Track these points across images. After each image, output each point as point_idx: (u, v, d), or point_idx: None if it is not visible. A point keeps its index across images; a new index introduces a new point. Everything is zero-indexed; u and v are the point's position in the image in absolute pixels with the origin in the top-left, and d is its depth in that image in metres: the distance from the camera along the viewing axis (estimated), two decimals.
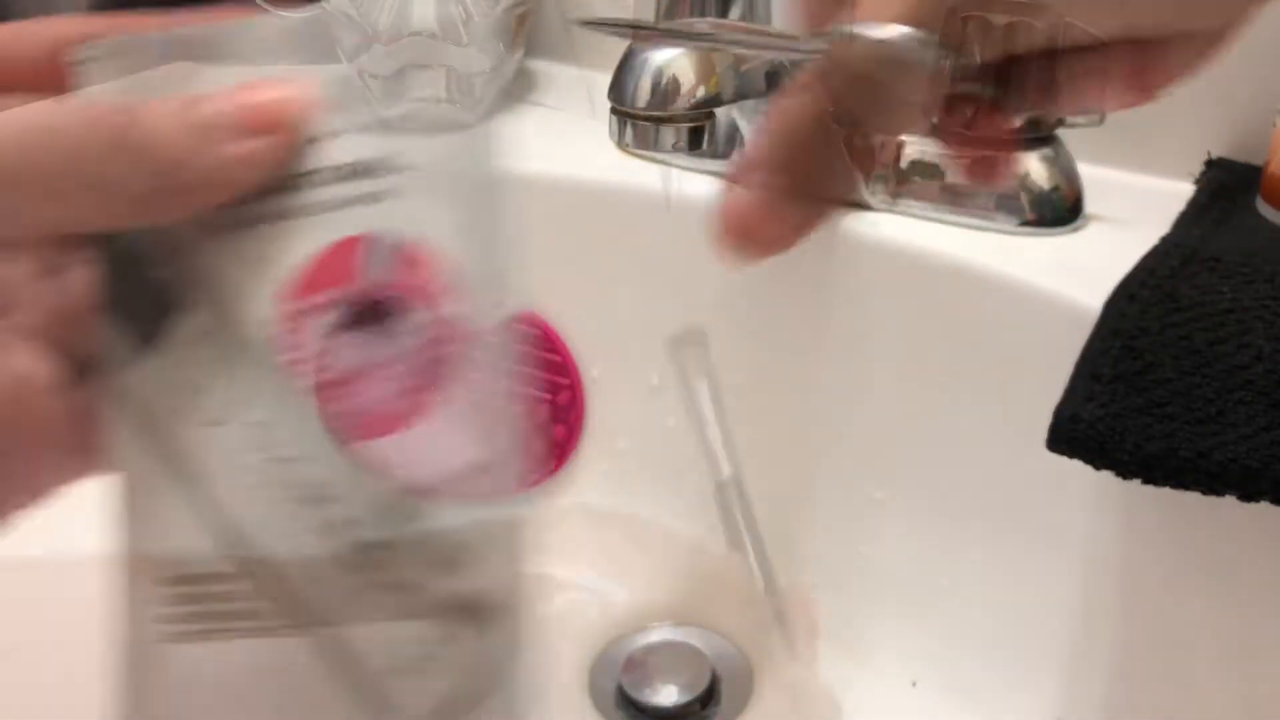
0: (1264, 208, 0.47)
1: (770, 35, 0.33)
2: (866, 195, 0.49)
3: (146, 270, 0.25)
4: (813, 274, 0.50)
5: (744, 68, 0.41)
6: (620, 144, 0.41)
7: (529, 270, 0.61)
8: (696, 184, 0.52)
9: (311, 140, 0.26)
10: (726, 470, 0.39)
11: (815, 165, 0.29)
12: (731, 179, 0.29)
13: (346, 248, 0.25)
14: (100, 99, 0.24)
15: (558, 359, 0.56)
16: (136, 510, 0.25)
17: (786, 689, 0.50)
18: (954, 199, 0.48)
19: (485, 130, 0.28)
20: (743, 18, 0.55)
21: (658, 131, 0.40)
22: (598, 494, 0.57)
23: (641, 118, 0.39)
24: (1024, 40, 0.29)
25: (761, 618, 0.53)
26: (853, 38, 0.26)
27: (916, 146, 0.49)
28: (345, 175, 0.26)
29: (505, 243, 0.28)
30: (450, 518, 0.27)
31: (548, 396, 0.56)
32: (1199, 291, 0.39)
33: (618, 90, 0.40)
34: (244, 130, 0.24)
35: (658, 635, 0.53)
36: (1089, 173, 0.50)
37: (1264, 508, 0.34)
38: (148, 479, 0.25)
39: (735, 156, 0.52)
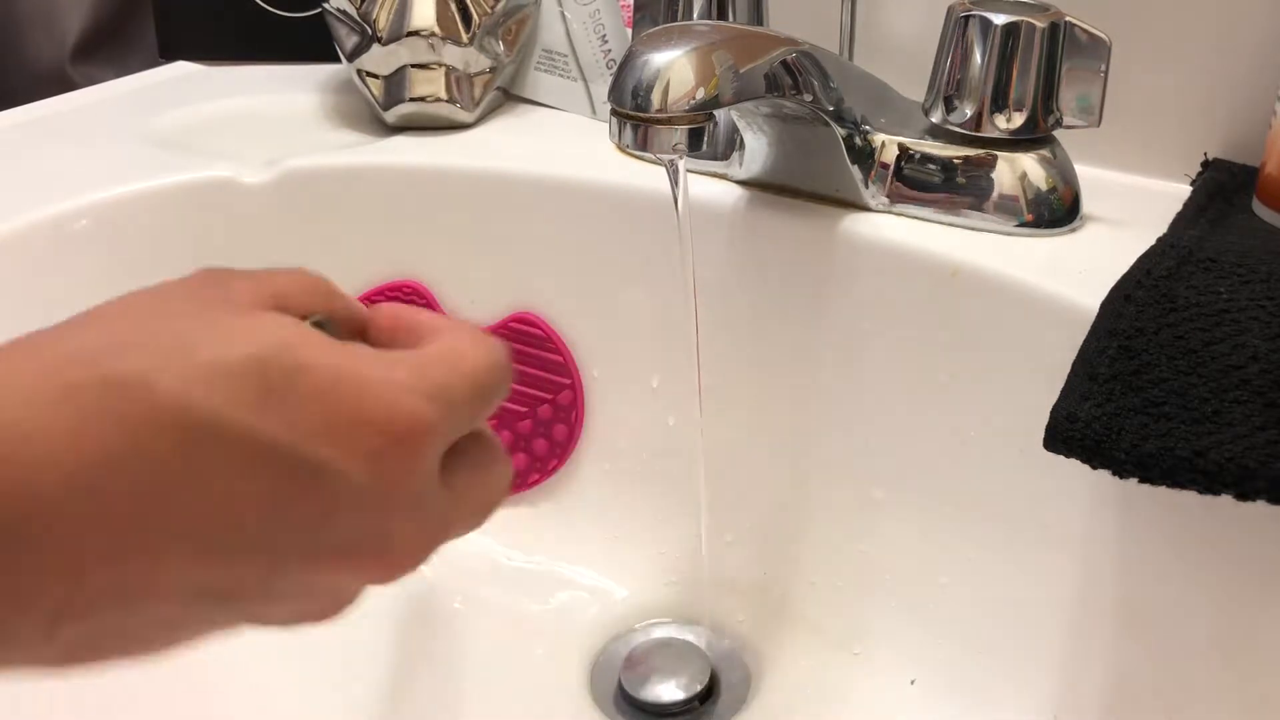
0: (1260, 208, 0.47)
1: None
2: (865, 197, 0.50)
3: None
4: (812, 274, 0.50)
5: (744, 69, 0.41)
6: (620, 145, 0.41)
7: (530, 270, 0.62)
8: (696, 185, 0.52)
9: None
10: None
11: None
12: None
13: None
14: None
15: (558, 359, 0.56)
16: None
17: (785, 686, 0.50)
18: (952, 200, 0.49)
19: None
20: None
21: (657, 132, 0.40)
22: (598, 494, 0.57)
23: (641, 119, 0.40)
24: None
25: (760, 615, 0.53)
26: None
27: (916, 148, 0.49)
28: None
29: None
30: None
31: (548, 396, 0.56)
32: (1195, 292, 0.40)
33: (618, 91, 0.40)
34: None
35: (658, 633, 0.53)
36: (1087, 174, 0.50)
37: (1260, 507, 0.34)
38: None
39: (735, 157, 0.52)
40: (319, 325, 0.27)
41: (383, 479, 0.24)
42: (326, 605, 0.26)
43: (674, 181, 0.43)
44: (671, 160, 0.42)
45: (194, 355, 0.23)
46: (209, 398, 0.22)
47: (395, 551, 0.25)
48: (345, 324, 0.30)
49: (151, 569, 0.23)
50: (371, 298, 0.57)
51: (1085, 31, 0.47)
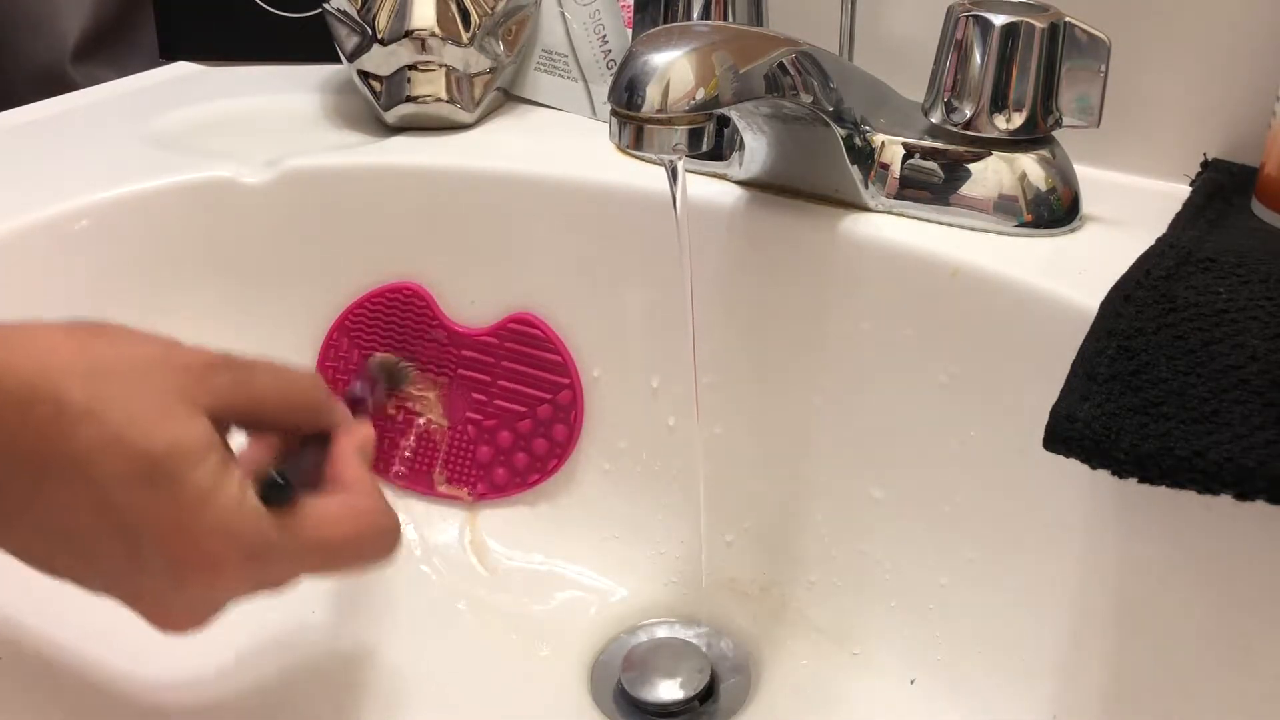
0: (1260, 209, 0.47)
1: None
2: (865, 197, 0.50)
3: None
4: (812, 274, 0.50)
5: (744, 69, 0.41)
6: (620, 145, 0.41)
7: (530, 270, 0.62)
8: (696, 185, 0.52)
9: None
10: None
11: None
12: None
13: None
14: None
15: (557, 359, 0.56)
16: None
17: (785, 686, 0.50)
18: (952, 200, 0.49)
19: None
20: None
21: (657, 133, 0.40)
22: (598, 494, 0.57)
23: (641, 119, 0.40)
24: None
25: (760, 615, 0.53)
26: None
27: (916, 148, 0.49)
28: None
29: None
30: None
31: (548, 396, 0.56)
32: (1194, 292, 0.40)
33: (617, 91, 0.40)
34: None
35: (658, 633, 0.53)
36: (1086, 174, 0.50)
37: (1259, 507, 0.34)
38: None
39: (734, 157, 0.52)
40: (280, 474, 0.35)
41: (176, 580, 0.33)
42: (176, 615, 0.34)
43: (673, 182, 0.43)
44: (671, 161, 0.42)
45: (123, 434, 0.31)
46: (104, 464, 0.31)
47: (170, 618, 0.34)
48: (310, 467, 0.39)
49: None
50: (371, 299, 0.57)
51: (1085, 32, 0.47)
